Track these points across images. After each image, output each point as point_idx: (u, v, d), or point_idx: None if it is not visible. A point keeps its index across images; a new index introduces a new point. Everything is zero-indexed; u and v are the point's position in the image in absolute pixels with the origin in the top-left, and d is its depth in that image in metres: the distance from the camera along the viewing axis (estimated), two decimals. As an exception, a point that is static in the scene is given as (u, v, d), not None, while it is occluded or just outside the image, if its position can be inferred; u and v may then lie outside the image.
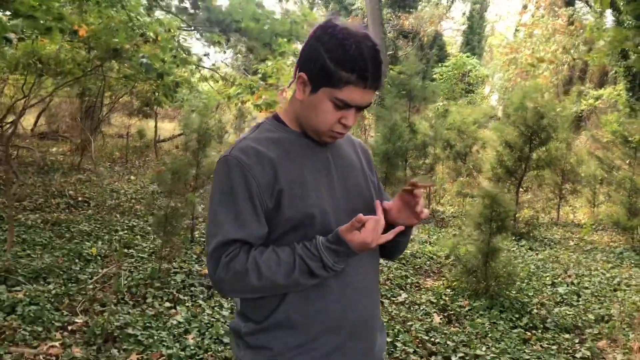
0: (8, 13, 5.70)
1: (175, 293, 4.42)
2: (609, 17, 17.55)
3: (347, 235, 1.37)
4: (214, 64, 9.91)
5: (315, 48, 1.41)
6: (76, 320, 3.81)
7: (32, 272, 4.52)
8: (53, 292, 4.17)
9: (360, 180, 1.59)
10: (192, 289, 4.59)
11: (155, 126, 15.37)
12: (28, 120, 15.69)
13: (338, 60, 1.35)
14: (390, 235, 1.43)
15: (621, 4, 13.36)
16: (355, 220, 1.35)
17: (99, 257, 5.30)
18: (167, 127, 19.87)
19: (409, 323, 4.20)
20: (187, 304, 4.22)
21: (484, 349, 3.83)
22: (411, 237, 1.70)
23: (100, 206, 7.78)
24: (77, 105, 14.30)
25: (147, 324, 3.75)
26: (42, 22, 5.77)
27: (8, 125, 9.85)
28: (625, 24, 15.49)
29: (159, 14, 7.34)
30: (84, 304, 4.09)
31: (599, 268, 6.16)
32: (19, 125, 12.21)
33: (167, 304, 4.20)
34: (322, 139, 1.49)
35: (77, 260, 5.09)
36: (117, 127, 18.93)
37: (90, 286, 4.44)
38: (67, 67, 9.35)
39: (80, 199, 8.02)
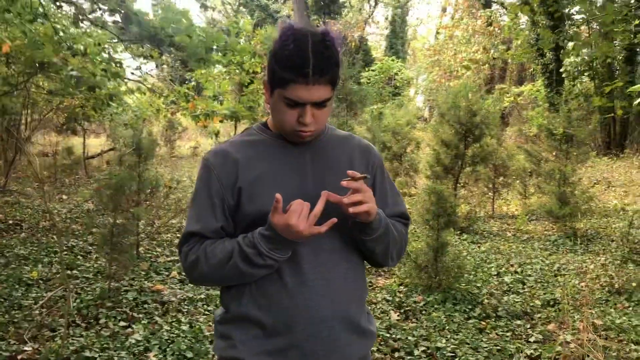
0: None
1: (128, 312, 4.28)
2: (523, 18, 18.43)
3: (272, 218, 1.41)
4: (140, 76, 9.65)
5: (271, 54, 1.47)
6: (25, 349, 3.61)
7: (-31, 302, 4.26)
8: (-4, 321, 3.95)
9: (339, 189, 1.52)
10: (146, 306, 4.46)
11: (84, 142, 14.83)
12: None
13: (279, 61, 1.41)
14: (323, 227, 1.42)
15: (535, 5, 14.08)
16: (275, 200, 1.39)
17: (40, 281, 5.05)
18: (94, 143, 19.18)
19: (369, 322, 4.25)
20: (143, 322, 4.09)
21: (443, 341, 3.93)
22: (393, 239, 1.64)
23: (33, 228, 7.42)
24: (-2, 124, 13.59)
25: (105, 345, 3.61)
26: None
27: None
28: (540, 24, 16.38)
29: (86, 26, 7.10)
30: (31, 330, 3.89)
31: (538, 256, 6.45)
32: None
33: (122, 323, 4.06)
34: (293, 139, 1.54)
35: (17, 286, 4.83)
36: (41, 145, 18.09)
37: (37, 311, 4.23)
38: (-12, 85, 8.88)
39: (10, 222, 7.61)
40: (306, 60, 1.38)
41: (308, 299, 1.49)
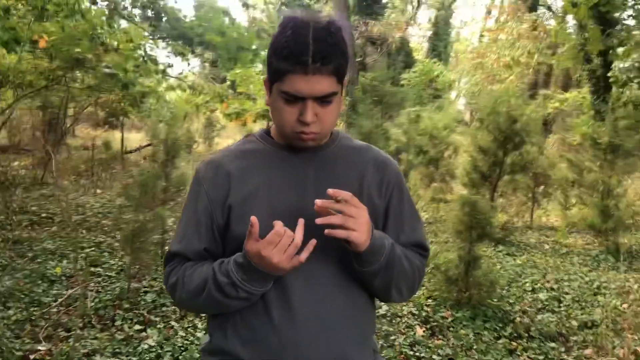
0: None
1: (145, 314, 4.20)
2: (571, 22, 17.84)
3: (246, 245, 1.25)
4: (180, 73, 9.67)
5: (268, 50, 1.31)
6: (39, 348, 3.56)
7: (-10, 297, 4.24)
8: (13, 318, 3.92)
9: None
10: (164, 308, 4.36)
11: (122, 137, 15.00)
12: (-13, 134, 15.16)
13: (276, 52, 1.26)
14: (303, 255, 1.23)
15: (584, 8, 13.57)
16: (250, 224, 1.22)
17: (63, 278, 5.02)
18: (135, 138, 19.43)
19: (392, 337, 4.06)
20: (158, 326, 3.99)
21: (470, 362, 3.72)
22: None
23: (65, 222, 7.46)
24: (39, 118, 13.86)
25: (117, 350, 3.53)
26: None
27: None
28: (588, 28, 15.78)
29: (120, 23, 7.11)
30: (47, 329, 3.84)
31: (577, 272, 6.12)
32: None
33: (138, 326, 3.97)
34: (295, 144, 1.35)
35: (40, 282, 4.81)
36: (82, 139, 18.42)
37: (55, 310, 4.18)
38: (28, 79, 9.02)
39: (44, 215, 7.68)
40: (304, 47, 1.21)
41: (297, 340, 1.30)
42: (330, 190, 1.23)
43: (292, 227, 1.24)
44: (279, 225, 1.21)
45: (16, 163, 12.77)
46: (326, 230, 1.22)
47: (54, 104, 11.74)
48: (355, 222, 1.22)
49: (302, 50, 1.21)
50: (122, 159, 14.40)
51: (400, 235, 1.45)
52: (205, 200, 1.37)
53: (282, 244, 1.20)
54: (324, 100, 1.28)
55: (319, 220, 1.22)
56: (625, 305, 5.00)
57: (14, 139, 15.18)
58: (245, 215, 1.28)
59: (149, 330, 3.90)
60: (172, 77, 10.53)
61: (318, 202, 1.22)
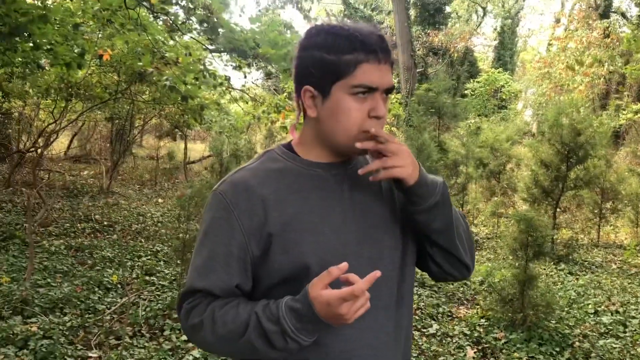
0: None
1: (193, 325, 4.24)
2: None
3: (313, 291, 1.09)
4: (244, 85, 9.83)
5: (308, 55, 1.22)
6: (90, 355, 3.66)
7: (49, 302, 4.41)
8: (68, 324, 4.04)
9: (386, 218, 1.29)
10: (212, 320, 4.40)
11: (185, 147, 15.41)
12: (62, 144, 15.95)
13: (337, 48, 1.17)
14: (364, 307, 1.10)
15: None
16: (325, 273, 1.09)
17: (119, 286, 5.16)
18: (198, 148, 19.96)
19: (441, 358, 3.93)
20: (205, 337, 4.02)
21: (522, 388, 3.54)
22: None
23: (125, 230, 7.71)
24: (108, 128, 14.46)
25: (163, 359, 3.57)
26: (62, 57, 5.79)
27: (33, 150, 9.95)
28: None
29: (179, 37, 7.31)
30: (99, 336, 3.94)
31: (645, 294, 5.76)
32: (51, 148, 12.39)
33: (185, 337, 4.02)
34: (355, 149, 1.20)
35: (96, 289, 4.97)
36: (148, 149, 19.08)
37: (108, 317, 4.30)
38: (95, 91, 9.43)
39: (106, 223, 7.96)
40: (369, 37, 1.17)
41: None
42: (372, 130, 1.19)
43: (342, 255, 1.19)
44: (359, 286, 1.08)
45: (85, 172, 13.36)
46: (370, 177, 1.20)
47: (121, 115, 12.21)
48: (397, 159, 1.18)
49: (370, 40, 1.17)
50: (184, 169, 14.79)
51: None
52: (237, 228, 1.20)
53: (361, 303, 1.09)
54: (388, 93, 1.23)
55: (361, 171, 1.21)
56: (698, 333, 4.65)
57: (85, 149, 15.91)
58: (288, 244, 1.19)
59: (195, 341, 3.93)
60: (236, 89, 10.71)
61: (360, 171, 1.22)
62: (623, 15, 23.38)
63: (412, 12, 23.63)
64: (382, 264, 1.24)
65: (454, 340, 4.33)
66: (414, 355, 3.94)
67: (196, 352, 3.72)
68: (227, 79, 7.20)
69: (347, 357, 1.22)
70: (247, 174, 1.26)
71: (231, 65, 7.45)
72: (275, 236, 1.19)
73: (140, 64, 6.99)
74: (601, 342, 4.39)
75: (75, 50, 6.22)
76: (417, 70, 19.59)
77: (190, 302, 1.24)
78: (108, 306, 4.56)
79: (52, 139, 10.33)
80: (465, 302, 5.46)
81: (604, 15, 22.92)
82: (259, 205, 1.20)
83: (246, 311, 1.17)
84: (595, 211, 8.71)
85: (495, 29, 32.52)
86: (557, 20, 31.19)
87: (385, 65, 1.19)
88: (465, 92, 24.87)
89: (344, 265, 1.10)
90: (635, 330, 4.73)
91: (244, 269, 1.22)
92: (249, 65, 6.48)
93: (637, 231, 8.77)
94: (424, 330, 4.53)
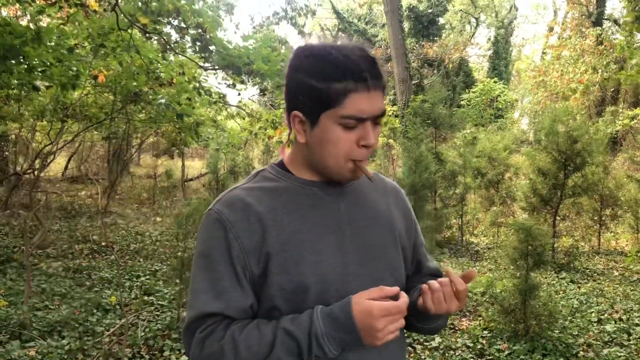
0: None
1: (193, 344, 4.19)
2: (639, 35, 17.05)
3: (358, 297, 1.10)
4: (240, 101, 9.83)
5: (297, 78, 1.19)
6: (88, 379, 3.61)
7: (47, 326, 4.36)
8: (67, 347, 3.99)
9: (385, 239, 1.29)
10: (212, 339, 4.35)
11: (183, 165, 15.41)
12: (60, 165, 15.94)
13: (325, 75, 1.13)
14: (395, 333, 1.12)
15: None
16: (377, 288, 1.11)
17: (117, 307, 5.12)
18: (196, 166, 19.97)
19: (444, 372, 3.88)
20: (205, 357, 3.98)
21: (527, 400, 3.49)
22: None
23: (123, 250, 7.66)
24: (105, 148, 14.48)
25: (162, 382, 3.52)
26: (57, 78, 5.80)
27: (30, 172, 9.93)
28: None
29: (172, 56, 7.34)
30: (98, 359, 3.89)
31: (648, 301, 5.72)
32: (48, 170, 12.38)
33: (185, 358, 3.97)
34: (346, 175, 1.22)
35: (95, 311, 4.92)
36: (145, 167, 19.09)
37: (106, 339, 4.25)
38: (91, 111, 9.44)
39: (104, 243, 7.92)
40: (359, 64, 1.13)
41: None
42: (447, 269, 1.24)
43: (342, 275, 1.20)
44: (405, 301, 1.12)
45: (83, 193, 13.33)
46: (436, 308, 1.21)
47: (118, 135, 12.22)
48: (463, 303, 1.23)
49: (360, 67, 1.13)
50: (182, 186, 14.77)
51: (426, 264, 1.44)
52: (236, 247, 1.16)
53: (395, 323, 1.11)
54: (378, 120, 1.19)
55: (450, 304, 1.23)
56: (702, 339, 4.61)
57: (83, 169, 15.90)
58: (288, 264, 1.16)
59: (195, 362, 3.88)
60: (232, 105, 10.74)
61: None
62: (615, 22, 23.52)
63: (406, 25, 23.75)
64: (384, 285, 1.21)
65: (457, 353, 4.28)
66: (417, 369, 3.89)
67: (196, 373, 3.67)
68: (223, 96, 7.20)
69: None
70: (242, 192, 1.22)
71: (225, 82, 7.48)
72: (274, 256, 1.16)
73: (135, 84, 7.00)
74: (605, 351, 4.34)
75: (70, 72, 6.24)
76: (413, 82, 19.65)
77: (202, 330, 1.16)
78: (107, 328, 4.51)
79: (48, 161, 10.32)
80: (467, 314, 5.41)
81: (597, 22, 23.08)
82: (257, 224, 1.17)
83: (269, 329, 1.13)
84: (595, 218, 8.69)
85: (489, 39, 32.71)
86: (551, 29, 31.42)
87: (375, 91, 1.15)
88: (461, 102, 24.95)
89: (404, 297, 1.13)
90: (639, 338, 4.69)
91: (251, 288, 1.18)
92: (243, 82, 6.49)
93: (638, 237, 8.74)
94: (427, 343, 4.48)
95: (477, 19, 33.67)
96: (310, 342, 1.09)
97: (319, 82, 1.14)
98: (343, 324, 1.09)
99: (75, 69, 6.36)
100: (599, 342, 4.54)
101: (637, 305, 5.57)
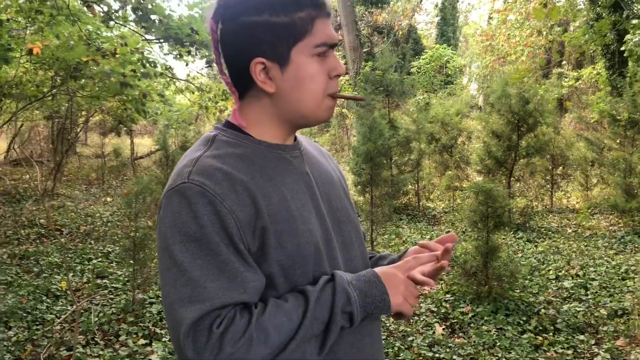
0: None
1: (151, 327, 4.03)
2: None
3: (396, 276, 1.09)
4: (188, 75, 9.50)
5: (246, 22, 1.03)
6: (39, 370, 3.41)
7: (-8, 317, 4.11)
8: (14, 338, 3.77)
9: (344, 202, 1.22)
10: (170, 320, 4.19)
11: (132, 143, 14.92)
12: (1, 148, 15.19)
13: (284, 7, 1.02)
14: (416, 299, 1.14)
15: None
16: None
17: (68, 292, 4.87)
18: (146, 143, 19.40)
19: (410, 338, 3.85)
20: (163, 339, 3.82)
21: (493, 361, 3.49)
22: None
23: (73, 233, 7.35)
24: (49, 128, 13.85)
25: (119, 368, 3.36)
26: None
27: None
28: (599, 2, 15.33)
29: (118, 27, 6.97)
30: (49, 349, 3.68)
31: (602, 256, 5.85)
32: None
33: (143, 341, 3.80)
34: (323, 115, 1.10)
35: (44, 298, 4.67)
36: (93, 147, 18.42)
37: (57, 327, 4.03)
38: (29, 90, 8.92)
39: (51, 227, 7.57)
40: None
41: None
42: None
43: (328, 240, 1.12)
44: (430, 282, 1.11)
45: (27, 176, 12.74)
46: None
47: (60, 114, 11.67)
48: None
49: None
50: (132, 165, 14.32)
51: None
52: (232, 223, 0.98)
53: (412, 295, 1.11)
54: (335, 46, 1.11)
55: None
56: (656, 289, 4.74)
57: (27, 151, 15.19)
58: (283, 237, 1.03)
59: (154, 344, 3.73)
60: (180, 79, 10.37)
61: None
62: (558, -15, 23.81)
63: (355, -8, 23.48)
64: (352, 248, 1.18)
65: (422, 319, 4.26)
66: (383, 337, 3.84)
67: (155, 356, 3.52)
68: (168, 68, 6.89)
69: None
70: (214, 161, 1.03)
71: (172, 54, 7.16)
72: (269, 229, 1.01)
73: (74, 54, 6.59)
74: (565, 307, 4.41)
75: (1, 46, 5.82)
76: (363, 50, 19.50)
77: (220, 324, 0.96)
78: (57, 315, 4.28)
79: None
80: (428, 278, 5.40)
81: (541, -15, 23.31)
82: (244, 194, 1.00)
83: (293, 304, 1.01)
84: (547, 178, 8.84)
85: (436, 6, 32.76)
86: (496, -7, 31.68)
87: (329, 18, 1.08)
88: (412, 70, 25.02)
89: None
90: (596, 292, 4.78)
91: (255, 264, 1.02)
92: (189, 53, 6.20)
93: (587, 194, 8.96)
94: (391, 310, 4.44)
95: (424, -15, 33.61)
96: (349, 302, 1.03)
97: (280, 16, 1.02)
98: (374, 290, 1.06)
99: (6, 43, 5.94)
100: (558, 299, 4.60)
101: (591, 260, 5.69)
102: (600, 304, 4.47)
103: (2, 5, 5.88)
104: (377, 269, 1.10)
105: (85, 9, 6.71)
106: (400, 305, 1.08)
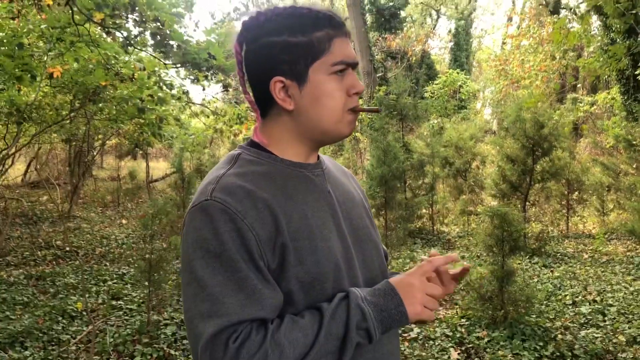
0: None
1: (165, 348, 4.03)
2: (595, 22, 17.37)
3: (407, 275, 1.11)
4: (203, 99, 9.63)
5: (266, 43, 1.09)
6: (55, 390, 3.42)
7: (8, 337, 4.13)
8: (30, 358, 3.79)
9: (365, 220, 1.25)
10: (185, 341, 4.20)
11: (147, 166, 15.07)
12: (19, 170, 15.40)
13: (303, 28, 1.08)
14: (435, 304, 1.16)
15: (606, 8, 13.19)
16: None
17: (84, 313, 4.90)
18: (161, 166, 19.57)
19: (425, 362, 3.81)
20: (178, 360, 3.83)
21: (510, 387, 3.44)
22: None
23: (89, 255, 7.40)
24: (66, 151, 14.03)
25: (133, 389, 3.36)
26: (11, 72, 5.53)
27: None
28: (613, 28, 15.35)
29: (132, 51, 7.11)
30: (64, 369, 3.70)
31: (620, 282, 5.77)
32: (7, 175, 11.91)
33: (157, 362, 3.81)
34: (344, 131, 1.13)
35: (60, 319, 4.70)
36: (108, 170, 18.61)
37: (73, 347, 4.05)
38: (48, 114, 9.09)
39: (68, 249, 7.64)
40: (326, 10, 1.10)
41: None
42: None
43: (348, 259, 1.14)
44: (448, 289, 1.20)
45: (45, 198, 12.89)
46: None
47: (78, 137, 11.84)
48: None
49: (330, 14, 1.10)
50: (147, 188, 14.44)
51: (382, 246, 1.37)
52: (252, 240, 1.01)
53: (431, 300, 1.11)
54: (355, 68, 1.14)
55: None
56: (675, 316, 4.66)
57: (44, 174, 15.38)
58: (303, 254, 1.05)
59: (168, 366, 3.73)
60: (195, 103, 10.51)
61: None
62: (572, 11, 23.96)
63: (369, 18, 23.76)
64: (373, 267, 1.20)
65: (437, 343, 4.22)
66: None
67: (170, 378, 3.53)
68: (185, 92, 7.00)
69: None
70: (237, 178, 1.06)
71: (190, 78, 7.28)
72: (289, 246, 1.04)
73: (93, 77, 6.72)
74: (583, 332, 4.35)
75: (25, 66, 5.96)
76: (377, 75, 19.64)
77: (237, 338, 0.98)
78: (73, 336, 4.31)
79: (6, 166, 9.91)
80: (443, 302, 5.37)
81: (554, 11, 23.46)
82: (266, 211, 1.03)
83: (309, 320, 1.02)
84: (563, 202, 8.78)
85: (449, 31, 33.01)
86: (510, 19, 31.88)
87: (348, 37, 1.13)
88: (425, 94, 25.11)
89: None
90: (614, 318, 4.71)
91: (274, 281, 1.05)
92: (206, 78, 6.30)
93: (604, 220, 8.88)
94: (405, 335, 4.41)
95: (437, 11, 33.93)
96: (365, 318, 1.04)
97: (298, 37, 1.07)
98: (389, 302, 1.07)
99: (28, 65, 6.08)
100: (575, 325, 4.54)
101: (609, 286, 5.61)
102: (618, 330, 4.40)
103: (25, 30, 6.02)
104: (392, 279, 1.11)
105: (104, 34, 6.86)
106: (420, 314, 1.08)
